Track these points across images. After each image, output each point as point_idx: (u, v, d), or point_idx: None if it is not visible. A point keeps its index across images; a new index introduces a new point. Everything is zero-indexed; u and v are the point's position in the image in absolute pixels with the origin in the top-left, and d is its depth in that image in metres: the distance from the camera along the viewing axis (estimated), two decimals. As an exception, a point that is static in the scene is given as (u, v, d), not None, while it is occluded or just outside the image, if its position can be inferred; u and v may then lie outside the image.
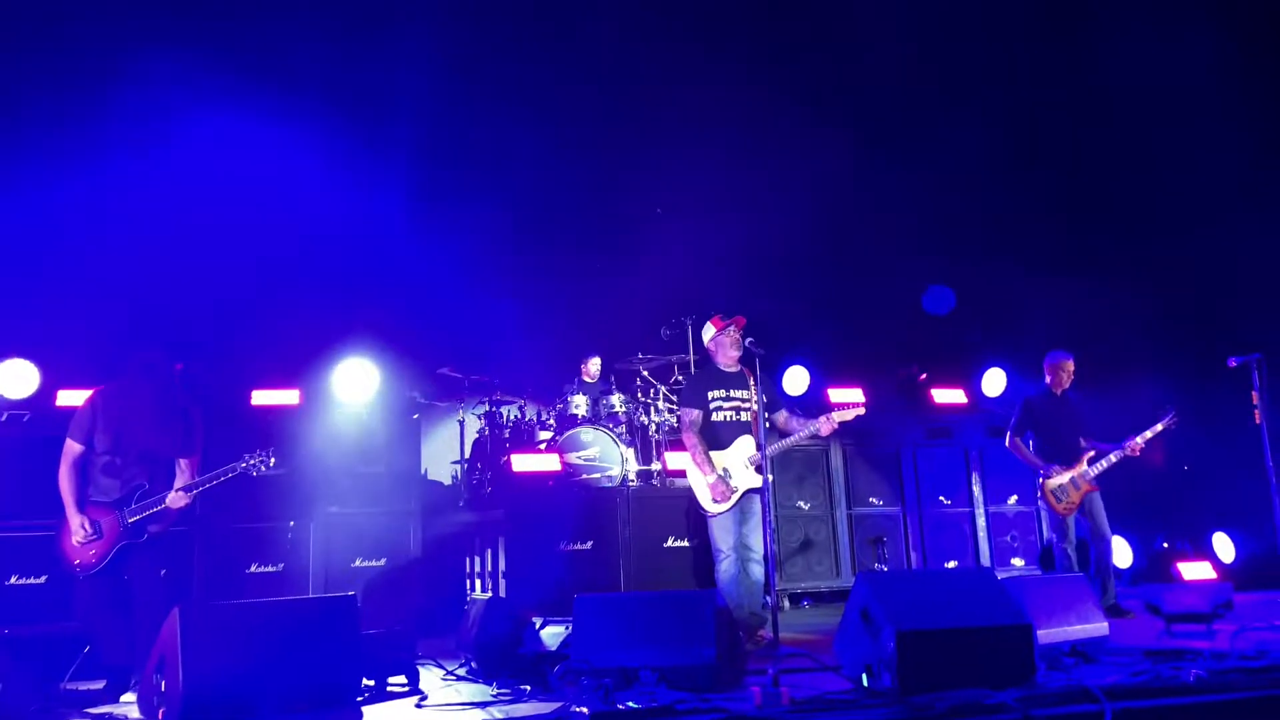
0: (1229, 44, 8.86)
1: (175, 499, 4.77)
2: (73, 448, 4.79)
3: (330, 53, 8.44)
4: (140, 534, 4.74)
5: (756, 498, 5.65)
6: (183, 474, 4.88)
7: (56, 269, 7.64)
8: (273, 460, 4.97)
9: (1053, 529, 6.84)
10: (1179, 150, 9.29)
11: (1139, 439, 6.61)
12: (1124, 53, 9.11)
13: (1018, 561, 8.33)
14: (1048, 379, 6.95)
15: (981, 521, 8.31)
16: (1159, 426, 6.63)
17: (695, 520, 6.82)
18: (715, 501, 5.66)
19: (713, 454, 5.74)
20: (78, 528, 4.68)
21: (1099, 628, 4.53)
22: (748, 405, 5.82)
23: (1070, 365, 6.98)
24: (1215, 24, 8.88)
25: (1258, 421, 6.11)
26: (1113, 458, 6.64)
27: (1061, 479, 6.63)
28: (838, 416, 5.83)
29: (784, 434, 5.97)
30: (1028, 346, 9.02)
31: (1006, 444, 7.00)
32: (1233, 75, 8.92)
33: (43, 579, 6.04)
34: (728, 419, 5.82)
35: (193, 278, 7.89)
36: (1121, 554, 8.22)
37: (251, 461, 4.93)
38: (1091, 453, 6.69)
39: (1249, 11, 9.07)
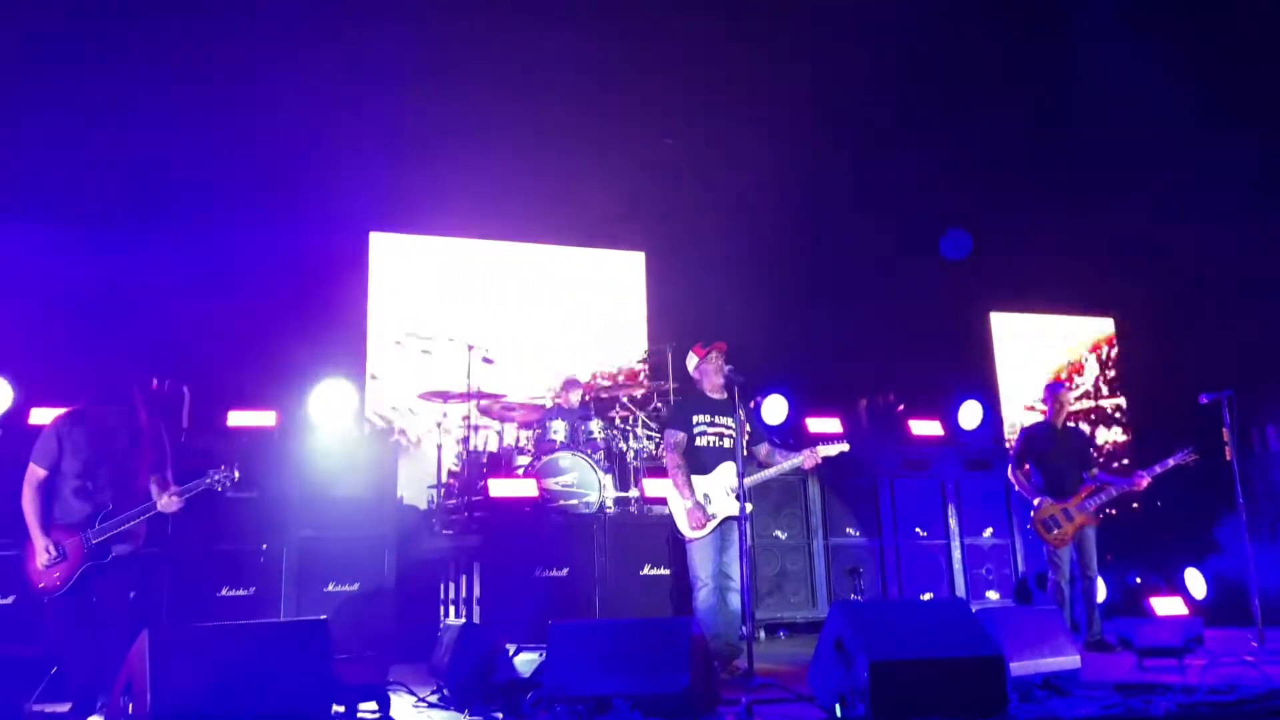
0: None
1: (167, 503, 4.70)
2: (36, 472, 4.72)
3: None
4: (105, 554, 4.66)
5: (736, 526, 5.64)
6: (156, 495, 4.79)
7: (30, 287, 7.59)
8: (237, 475, 4.86)
9: (1047, 563, 6.76)
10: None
11: (1147, 475, 6.64)
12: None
13: (993, 594, 8.34)
14: (1049, 412, 7.00)
15: (957, 554, 8.31)
16: (1171, 462, 6.62)
17: (674, 548, 6.81)
18: (692, 528, 5.65)
19: (695, 479, 5.75)
20: (42, 550, 4.60)
21: (1071, 661, 4.54)
22: (731, 432, 5.83)
23: (1069, 396, 7.04)
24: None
25: (1228, 458, 6.18)
26: (1112, 492, 6.67)
27: (1053, 510, 6.65)
28: (822, 451, 5.86)
29: (764, 465, 5.99)
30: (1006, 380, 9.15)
31: (1009, 475, 7.02)
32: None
33: (10, 599, 5.95)
34: (711, 444, 5.83)
35: (170, 296, 7.87)
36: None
37: (216, 477, 4.83)
38: (1094, 486, 6.72)
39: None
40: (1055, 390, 7.05)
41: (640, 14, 9.11)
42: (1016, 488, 7.01)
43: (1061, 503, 6.64)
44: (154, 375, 5.12)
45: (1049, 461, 6.85)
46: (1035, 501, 6.72)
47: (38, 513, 4.67)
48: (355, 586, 6.66)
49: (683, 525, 5.71)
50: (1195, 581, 8.74)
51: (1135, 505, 9.86)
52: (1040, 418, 7.22)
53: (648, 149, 9.92)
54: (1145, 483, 6.64)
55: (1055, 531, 6.61)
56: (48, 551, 4.59)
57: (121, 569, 4.73)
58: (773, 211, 9.82)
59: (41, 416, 6.46)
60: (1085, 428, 8.60)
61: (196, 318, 7.86)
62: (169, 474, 4.90)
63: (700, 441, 5.82)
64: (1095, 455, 7.00)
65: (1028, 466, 6.94)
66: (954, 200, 9.97)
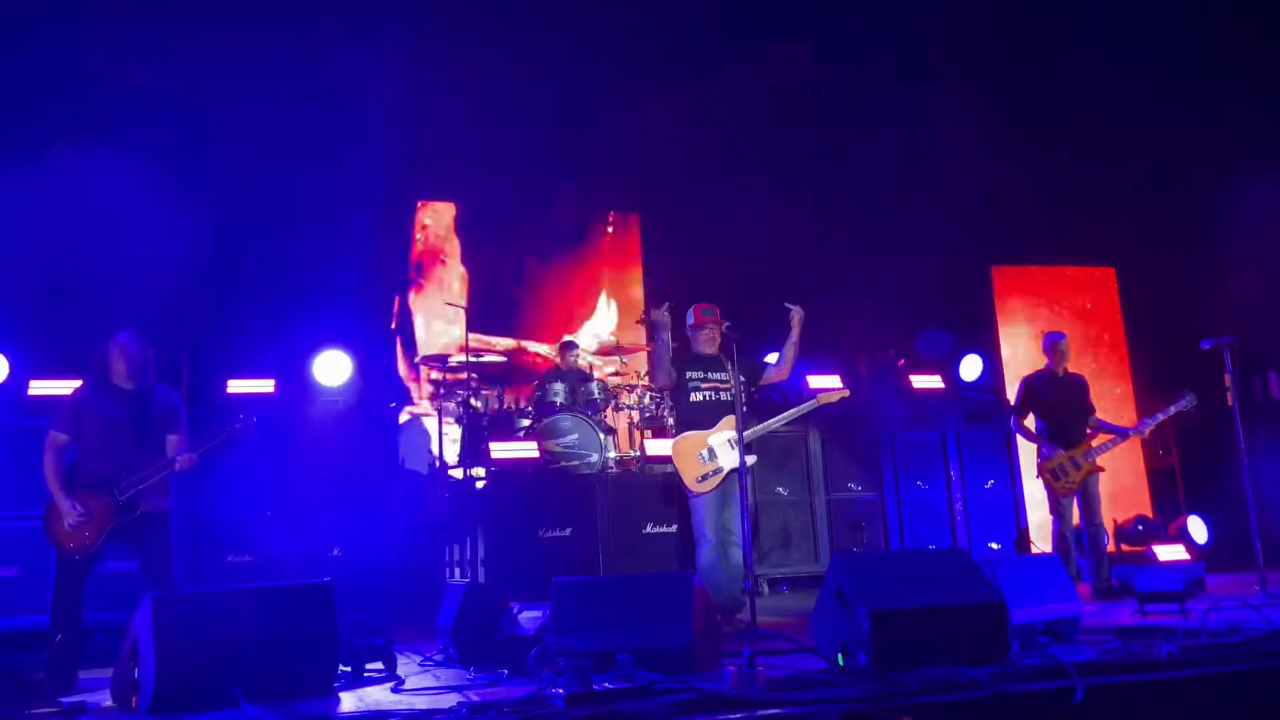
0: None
1: (184, 461, 4.81)
2: (57, 438, 4.83)
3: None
4: (133, 510, 4.76)
5: (736, 479, 5.65)
6: (172, 449, 4.93)
7: (22, 259, 7.55)
8: (255, 420, 5.09)
9: (1051, 511, 6.80)
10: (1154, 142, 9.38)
11: (1150, 422, 6.66)
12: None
13: (995, 545, 8.38)
14: (1047, 360, 6.99)
15: (960, 506, 8.34)
16: (1173, 410, 6.65)
17: (678, 504, 6.84)
18: (699, 482, 5.67)
19: (697, 433, 5.76)
20: (68, 511, 4.68)
21: (1073, 607, 4.56)
22: (727, 385, 5.83)
23: (1067, 344, 7.03)
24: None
25: (1229, 404, 6.16)
26: (1117, 439, 6.68)
27: (1060, 459, 6.65)
28: (823, 399, 5.89)
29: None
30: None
31: (1012, 425, 7.02)
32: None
33: (14, 571, 6.00)
34: (707, 399, 5.84)
35: (168, 265, 7.83)
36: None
37: (238, 423, 5.02)
38: (1100, 434, 6.72)
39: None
40: (1055, 339, 7.03)
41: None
42: (1023, 438, 7.00)
43: (1069, 451, 6.64)
44: (153, 345, 5.10)
45: (1052, 411, 6.84)
46: (1044, 451, 6.71)
47: (59, 476, 4.77)
48: (360, 551, 6.70)
49: (688, 481, 5.72)
50: (1197, 527, 8.77)
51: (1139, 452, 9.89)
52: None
53: (643, 110, 9.80)
54: (1148, 430, 6.67)
55: (1063, 480, 6.62)
56: (74, 510, 4.67)
57: (153, 525, 4.84)
58: (770, 168, 9.73)
59: (40, 388, 6.49)
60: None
61: (194, 286, 7.83)
62: (185, 431, 5.02)
63: (695, 397, 5.83)
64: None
65: (1031, 417, 6.93)
66: (953, 153, 9.86)
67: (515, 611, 4.82)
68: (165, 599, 3.87)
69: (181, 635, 3.76)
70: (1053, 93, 9.93)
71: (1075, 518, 6.73)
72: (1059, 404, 6.85)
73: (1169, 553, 7.82)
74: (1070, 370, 7.01)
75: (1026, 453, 7.96)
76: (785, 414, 5.95)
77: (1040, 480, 6.81)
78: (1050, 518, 6.84)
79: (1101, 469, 6.72)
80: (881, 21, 9.35)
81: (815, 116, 9.74)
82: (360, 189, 8.84)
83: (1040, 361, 7.12)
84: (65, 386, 6.48)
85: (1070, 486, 6.62)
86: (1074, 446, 6.67)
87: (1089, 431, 6.77)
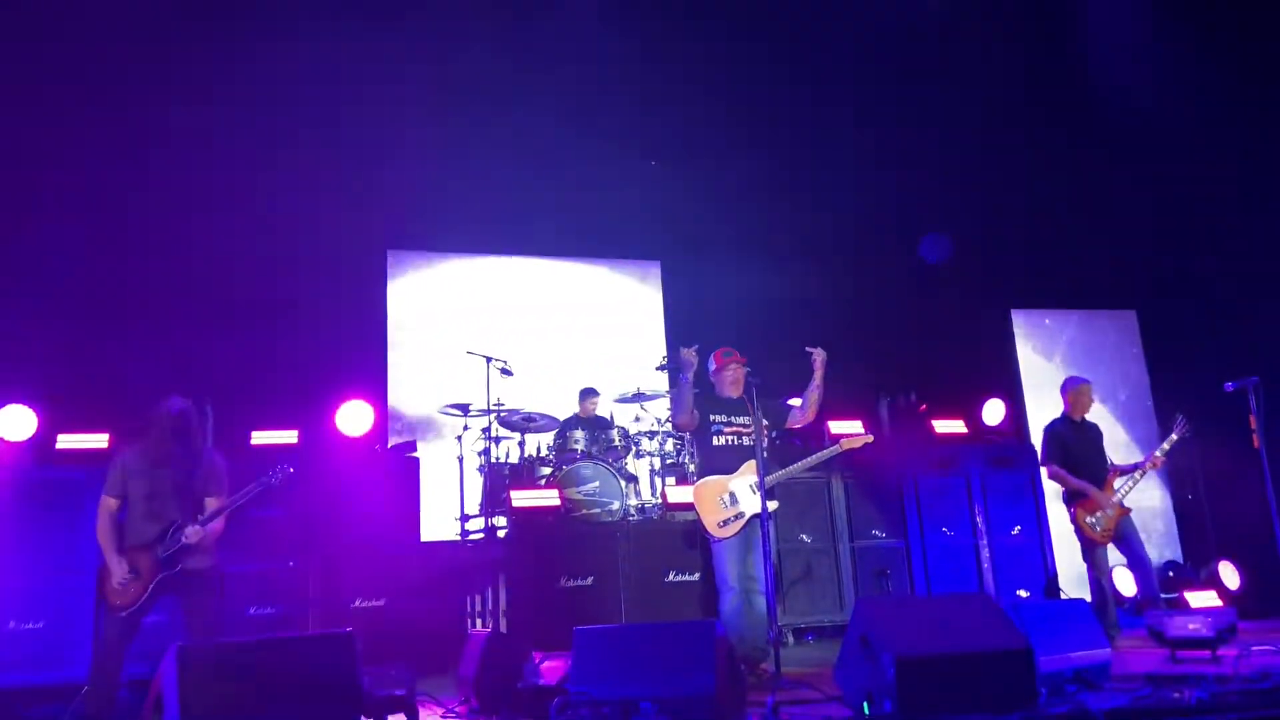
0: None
1: (191, 534, 4.92)
2: (109, 503, 5.01)
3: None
4: (174, 566, 4.91)
5: (759, 525, 5.61)
6: (211, 507, 5.05)
7: (51, 314, 7.69)
8: (291, 470, 5.23)
9: (1085, 559, 6.71)
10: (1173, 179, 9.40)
11: (1158, 453, 6.62)
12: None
13: (1023, 592, 8.25)
14: (1067, 406, 6.95)
15: (986, 552, 8.24)
16: (1174, 436, 6.62)
17: (700, 552, 6.80)
18: (720, 527, 5.63)
19: (718, 478, 5.74)
20: (120, 570, 4.86)
21: (1102, 654, 4.49)
22: (749, 430, 5.82)
23: (1089, 390, 7.00)
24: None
25: (1256, 446, 6.09)
26: (1138, 476, 6.63)
27: (1096, 505, 6.57)
28: (846, 444, 5.86)
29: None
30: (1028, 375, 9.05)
31: (1047, 475, 6.93)
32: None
33: (39, 624, 6.03)
34: (730, 443, 5.82)
35: (190, 318, 7.97)
36: (1126, 583, 8.16)
37: (275, 474, 5.16)
38: (1117, 476, 6.67)
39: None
40: (1075, 384, 6.99)
41: (650, 29, 9.17)
42: (1061, 483, 6.85)
43: (1101, 496, 6.57)
44: (177, 396, 5.19)
45: (1076, 456, 6.79)
46: (1081, 494, 6.62)
47: (113, 538, 4.95)
48: (381, 602, 6.69)
49: (710, 526, 5.69)
50: (1229, 573, 8.63)
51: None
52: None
53: (661, 159, 9.94)
54: (1160, 460, 6.64)
55: (1100, 528, 6.55)
56: (123, 569, 4.85)
57: (198, 581, 4.99)
58: (787, 215, 9.81)
59: (69, 441, 6.57)
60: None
61: (217, 338, 7.94)
62: (225, 494, 5.15)
63: (719, 441, 5.81)
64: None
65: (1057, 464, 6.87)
66: (971, 198, 9.92)
67: (537, 661, 4.79)
68: (189, 649, 3.88)
69: (205, 686, 3.76)
70: (1072, 137, 10.00)
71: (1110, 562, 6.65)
72: (1082, 450, 6.79)
73: (1201, 599, 7.69)
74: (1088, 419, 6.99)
75: (1053, 499, 7.87)
76: (808, 459, 5.92)
77: (1075, 528, 6.71)
78: (1084, 565, 6.76)
79: (1128, 510, 6.65)
80: (889, 67, 9.47)
81: (830, 158, 9.82)
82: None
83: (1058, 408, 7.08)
84: (94, 440, 6.58)
85: (1107, 533, 6.56)
86: (1102, 491, 6.62)
87: (1109, 476, 6.72)
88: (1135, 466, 6.71)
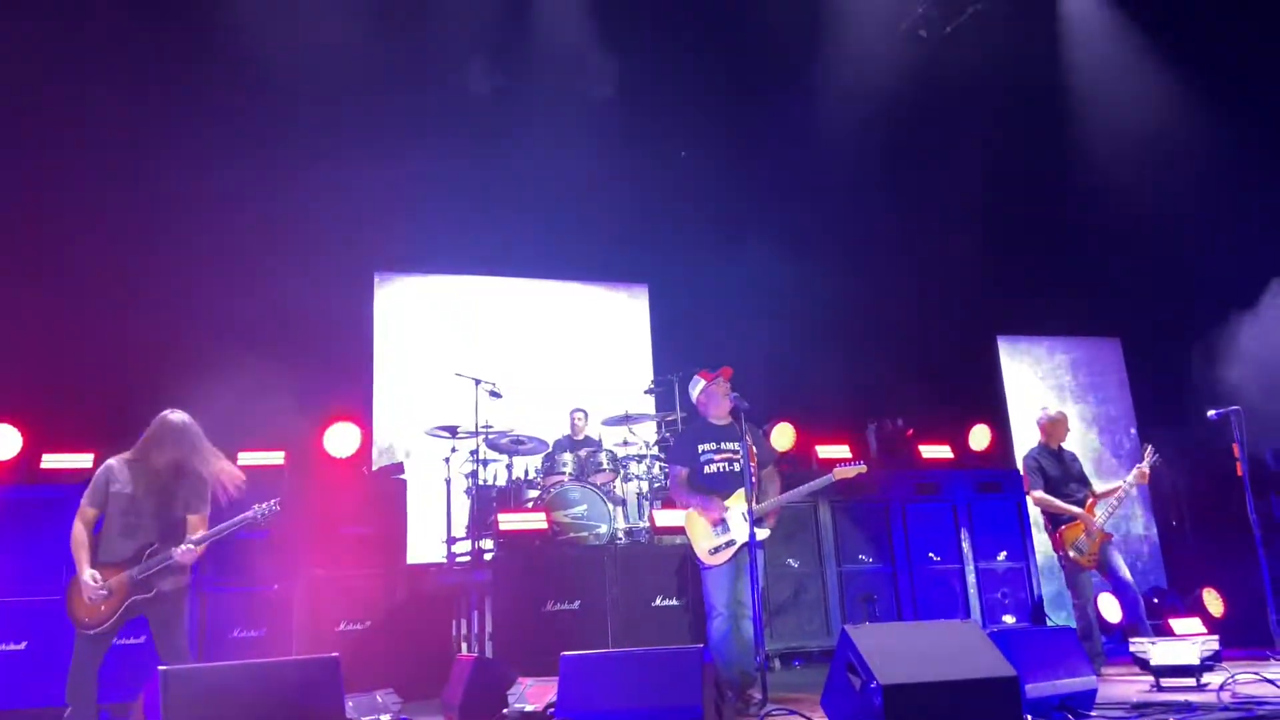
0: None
1: (185, 554, 4.81)
2: (87, 513, 4.88)
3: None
4: (148, 589, 4.78)
5: (749, 552, 5.61)
6: (194, 531, 4.94)
7: (39, 335, 7.66)
8: (278, 506, 5.05)
9: (1069, 586, 6.73)
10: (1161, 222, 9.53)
11: (1125, 482, 6.65)
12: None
13: (1009, 619, 8.28)
14: (1043, 436, 7.00)
15: (972, 578, 8.26)
16: (1143, 468, 6.62)
17: (688, 577, 6.79)
18: (711, 554, 5.62)
19: None
20: (89, 580, 4.71)
21: (1088, 681, 4.51)
22: (739, 456, 5.81)
23: (1065, 421, 7.05)
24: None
25: (1239, 474, 6.15)
26: (1114, 504, 6.66)
27: (1080, 530, 6.59)
28: (839, 474, 5.85)
29: (764, 493, 5.95)
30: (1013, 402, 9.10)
31: (1034, 501, 6.93)
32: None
33: (22, 645, 5.97)
34: (720, 470, 5.81)
35: (176, 340, 7.95)
36: (1111, 609, 8.19)
37: (260, 509, 5.00)
38: (1094, 501, 6.70)
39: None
40: (1046, 417, 7.07)
41: (640, 51, 9.26)
42: (1045, 508, 6.86)
43: (1088, 519, 6.60)
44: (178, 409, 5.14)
45: (1057, 483, 6.83)
46: (1067, 518, 6.65)
47: (84, 548, 4.80)
48: (367, 624, 6.65)
49: (701, 552, 5.68)
50: (1213, 600, 8.67)
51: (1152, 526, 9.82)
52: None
53: (649, 182, 10.00)
54: (1134, 483, 6.64)
55: (1086, 553, 6.58)
56: (94, 582, 4.69)
57: (167, 602, 4.84)
58: (775, 240, 9.87)
59: (53, 461, 6.53)
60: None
61: (205, 359, 7.91)
62: (208, 514, 5.02)
63: (709, 469, 5.81)
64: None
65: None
66: (957, 225, 10.02)
67: (523, 686, 4.77)
68: (175, 673, 3.85)
69: (190, 709, 3.74)
70: (1055, 168, 10.14)
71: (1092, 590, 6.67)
72: (1062, 477, 6.84)
73: (1184, 626, 7.71)
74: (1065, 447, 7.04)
75: (1038, 526, 7.91)
76: (799, 489, 5.91)
77: (1059, 555, 6.73)
78: (1067, 593, 6.78)
79: (1110, 535, 6.67)
80: (884, 99, 9.58)
81: (817, 187, 9.92)
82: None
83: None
84: (79, 460, 6.54)
85: (1092, 557, 6.58)
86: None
87: (1089, 502, 6.75)
88: (1109, 493, 6.75)
